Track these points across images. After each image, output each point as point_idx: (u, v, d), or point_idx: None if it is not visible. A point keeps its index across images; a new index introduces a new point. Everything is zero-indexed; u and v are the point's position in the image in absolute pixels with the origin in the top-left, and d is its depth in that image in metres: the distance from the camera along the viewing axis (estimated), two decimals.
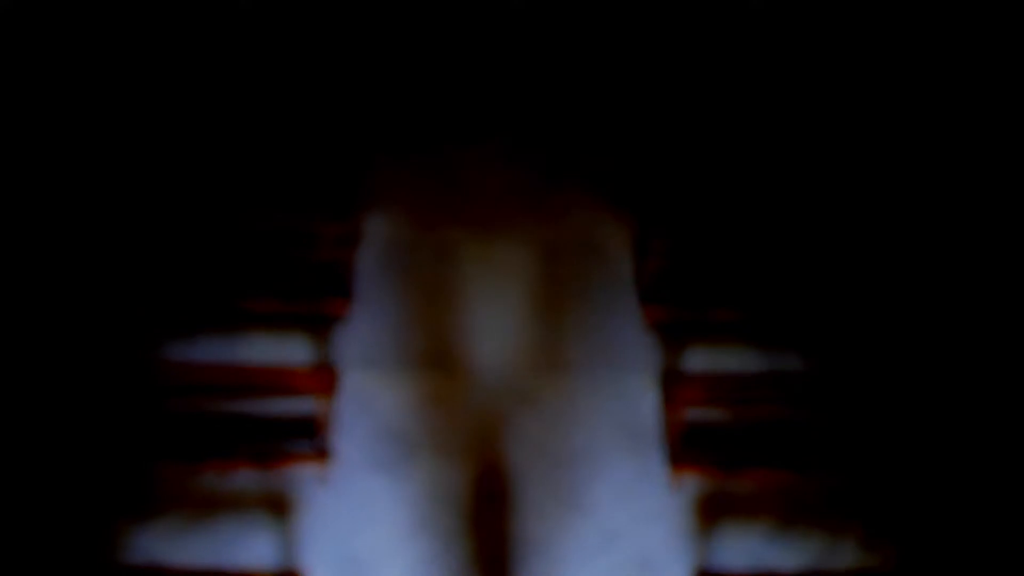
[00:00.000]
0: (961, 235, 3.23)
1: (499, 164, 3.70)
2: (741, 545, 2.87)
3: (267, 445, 2.98)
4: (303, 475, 2.98)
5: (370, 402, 3.17)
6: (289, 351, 3.20)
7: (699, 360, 3.20)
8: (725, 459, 2.98)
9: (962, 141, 3.34)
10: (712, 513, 2.95)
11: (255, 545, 2.83)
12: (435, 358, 3.24)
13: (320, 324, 3.26)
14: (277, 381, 3.01)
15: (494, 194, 3.64)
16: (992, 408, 2.98)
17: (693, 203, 3.50)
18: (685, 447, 3.01)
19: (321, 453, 2.94)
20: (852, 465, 2.98)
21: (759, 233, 3.44)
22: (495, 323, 3.30)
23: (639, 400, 3.14)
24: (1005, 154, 3.38)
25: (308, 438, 3.02)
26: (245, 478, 2.96)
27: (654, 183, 3.55)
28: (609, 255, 3.45)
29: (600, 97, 3.70)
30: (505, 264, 3.48)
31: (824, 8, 3.49)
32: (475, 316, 3.35)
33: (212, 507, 2.89)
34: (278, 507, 2.91)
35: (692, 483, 2.98)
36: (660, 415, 3.11)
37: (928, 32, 3.26)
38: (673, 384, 3.10)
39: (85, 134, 3.34)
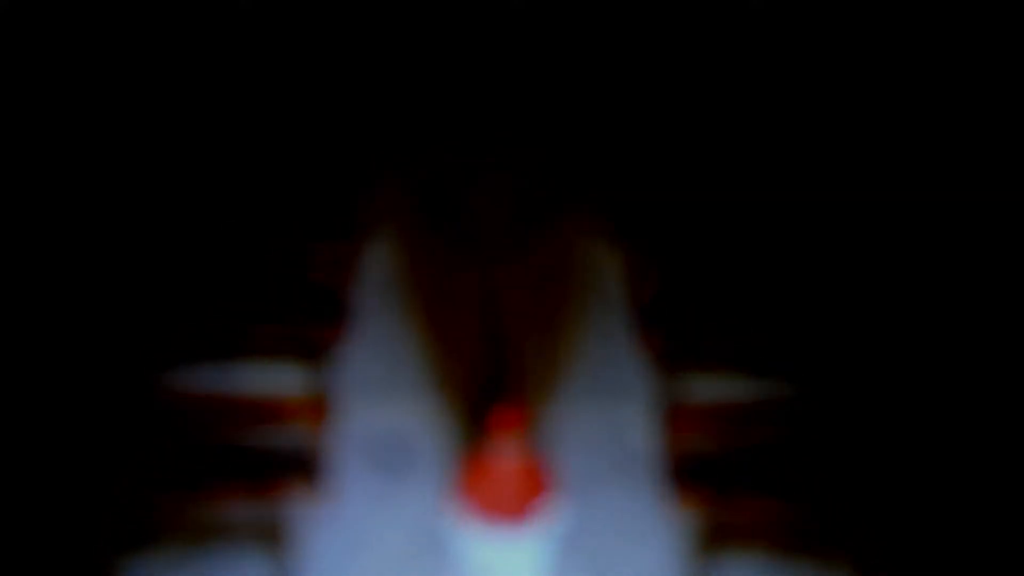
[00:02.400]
0: (954, 261, 3.24)
1: (498, 190, 3.71)
2: (736, 574, 2.87)
3: (262, 474, 2.97)
4: (298, 504, 2.98)
5: (366, 430, 3.17)
6: (284, 379, 3.20)
7: (694, 388, 3.22)
8: (720, 488, 2.99)
9: (961, 161, 3.35)
10: (707, 542, 2.95)
11: (250, 574, 2.82)
12: (431, 385, 3.25)
13: (316, 351, 3.26)
14: (271, 409, 3.02)
15: (492, 220, 3.66)
16: (986, 430, 2.99)
17: (688, 231, 3.52)
18: (680, 476, 3.02)
19: (316, 482, 2.94)
20: (848, 493, 2.99)
21: (753, 261, 3.46)
22: (490, 349, 3.31)
23: (633, 428, 3.15)
24: (1003, 185, 3.39)
25: (303, 467, 3.02)
26: (240, 507, 2.96)
27: (650, 211, 3.56)
28: (606, 283, 3.46)
29: (601, 124, 3.71)
30: (501, 290, 3.50)
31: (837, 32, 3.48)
32: (471, 342, 3.36)
33: (207, 536, 2.89)
34: (273, 536, 2.90)
35: (687, 512, 2.98)
36: (654, 443, 3.12)
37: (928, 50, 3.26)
38: (668, 412, 3.12)
39: (75, 153, 3.34)
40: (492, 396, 2.60)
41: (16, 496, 2.86)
